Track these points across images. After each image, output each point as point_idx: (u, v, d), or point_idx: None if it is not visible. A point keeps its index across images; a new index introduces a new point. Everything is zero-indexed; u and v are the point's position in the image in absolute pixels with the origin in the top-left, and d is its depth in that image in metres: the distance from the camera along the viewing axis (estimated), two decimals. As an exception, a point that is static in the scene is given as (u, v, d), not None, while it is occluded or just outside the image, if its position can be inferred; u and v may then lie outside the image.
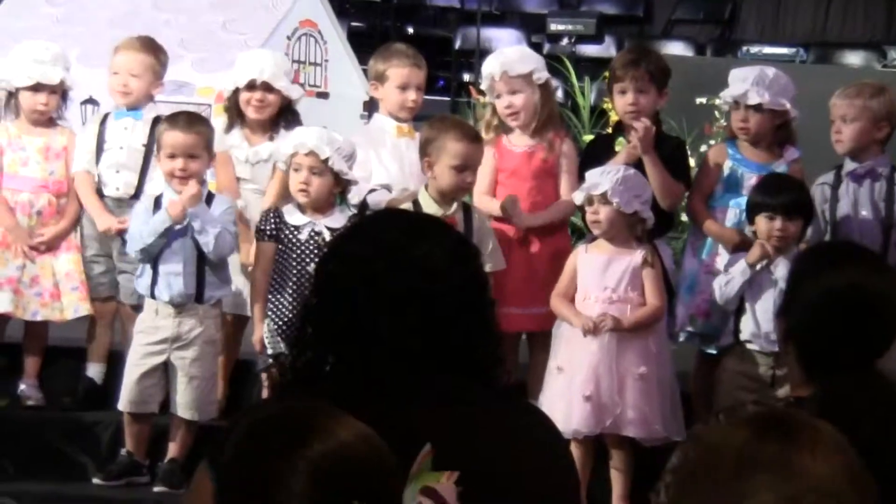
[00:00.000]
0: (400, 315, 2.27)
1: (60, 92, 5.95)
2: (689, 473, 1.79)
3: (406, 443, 2.11)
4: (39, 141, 5.93)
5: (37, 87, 5.88)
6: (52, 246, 5.90)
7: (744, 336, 5.17)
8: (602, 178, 5.19)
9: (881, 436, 2.22)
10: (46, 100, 5.90)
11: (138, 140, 5.84)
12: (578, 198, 5.28)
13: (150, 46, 5.97)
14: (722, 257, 5.37)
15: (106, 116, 6.01)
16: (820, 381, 2.56)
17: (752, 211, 5.21)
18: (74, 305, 5.93)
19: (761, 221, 5.15)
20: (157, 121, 5.76)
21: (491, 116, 5.67)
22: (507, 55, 5.69)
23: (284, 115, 5.83)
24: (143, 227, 5.38)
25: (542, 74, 5.60)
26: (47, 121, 5.97)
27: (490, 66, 5.60)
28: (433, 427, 2.19)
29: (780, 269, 5.02)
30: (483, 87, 5.71)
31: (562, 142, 5.61)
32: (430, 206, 5.26)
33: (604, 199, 5.18)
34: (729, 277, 5.20)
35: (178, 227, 5.34)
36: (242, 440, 1.86)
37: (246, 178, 5.82)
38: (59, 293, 5.91)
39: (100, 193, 5.90)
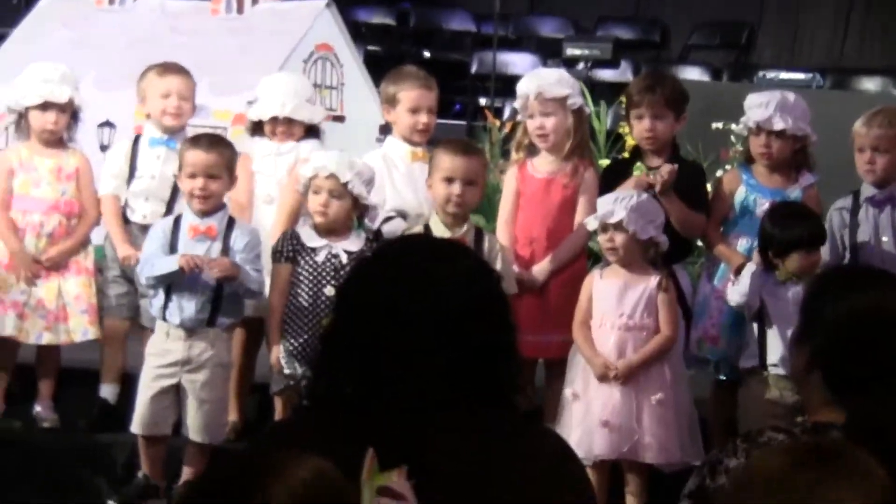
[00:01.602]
0: (421, 339, 2.27)
1: (70, 112, 5.98)
2: (724, 492, 1.80)
3: (425, 466, 2.11)
4: (50, 162, 5.95)
5: (45, 106, 5.92)
6: (59, 265, 5.91)
7: (771, 360, 5.13)
8: (616, 206, 5.16)
9: None
10: (56, 118, 5.93)
11: (170, 170, 5.81)
12: (592, 224, 5.27)
13: (188, 71, 6.02)
14: (734, 283, 5.34)
15: (138, 139, 6.02)
16: (848, 405, 2.53)
17: (784, 248, 5.10)
18: (83, 328, 5.93)
19: (799, 257, 5.08)
20: None
21: (522, 136, 5.65)
22: (545, 76, 5.67)
23: (309, 132, 5.99)
24: (157, 251, 5.37)
25: (577, 100, 5.59)
26: (58, 142, 5.99)
27: (526, 86, 5.57)
28: (453, 452, 2.19)
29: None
30: (517, 105, 5.67)
31: (585, 169, 5.58)
32: (440, 230, 5.25)
33: (619, 226, 5.17)
34: (739, 280, 5.18)
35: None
36: (203, 490, 1.88)
37: (267, 171, 5.89)
38: (66, 315, 5.92)
39: (125, 218, 5.92)
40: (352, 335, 2.32)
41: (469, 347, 2.28)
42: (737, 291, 5.20)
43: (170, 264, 5.30)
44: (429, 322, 2.27)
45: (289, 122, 5.91)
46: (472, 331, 2.29)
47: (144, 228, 5.80)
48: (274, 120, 5.91)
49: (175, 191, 5.82)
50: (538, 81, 5.57)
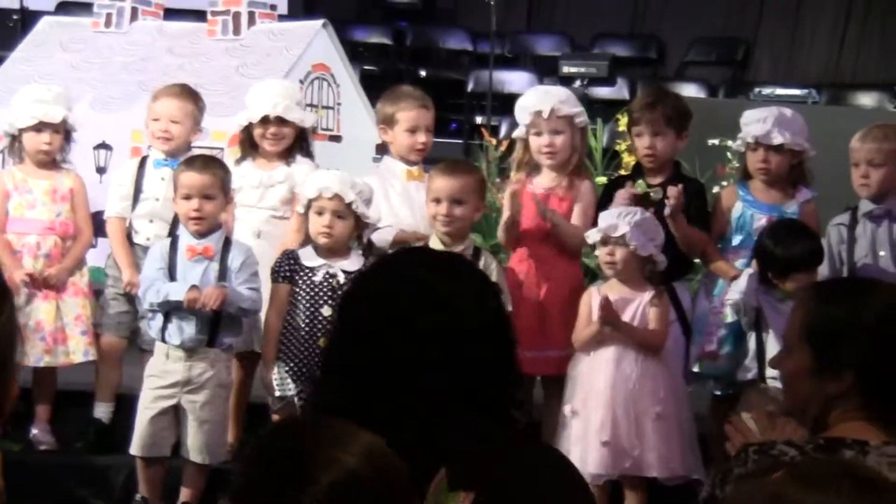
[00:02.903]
0: (426, 354, 2.26)
1: (63, 132, 5.97)
2: None
3: (429, 481, 2.10)
4: (45, 184, 5.95)
5: (39, 127, 5.92)
6: (57, 286, 5.89)
7: (769, 373, 5.12)
8: (619, 221, 5.17)
9: None
10: (50, 139, 5.92)
11: (173, 192, 5.82)
12: (593, 237, 5.27)
13: (190, 93, 6.03)
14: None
15: (144, 161, 6.01)
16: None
17: (787, 268, 5.09)
18: (83, 349, 5.92)
19: (801, 278, 5.04)
20: None
21: (523, 153, 5.61)
22: (555, 94, 5.64)
23: (299, 143, 5.94)
24: (157, 274, 5.36)
25: (584, 119, 5.60)
26: (52, 163, 5.98)
27: (538, 102, 5.52)
28: (457, 467, 2.19)
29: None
30: (522, 120, 5.57)
31: (580, 181, 5.58)
32: (439, 248, 5.25)
33: (621, 240, 5.18)
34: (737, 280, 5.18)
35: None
36: (248, 478, 1.84)
37: (256, 204, 5.86)
38: (65, 337, 5.91)
39: (129, 240, 5.93)
40: (355, 348, 2.31)
41: (473, 362, 2.29)
42: (735, 290, 5.19)
43: (176, 294, 5.29)
44: (438, 338, 2.27)
45: (280, 123, 5.88)
46: (478, 346, 2.30)
47: (147, 250, 5.77)
48: (265, 123, 5.88)
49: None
50: (551, 99, 5.53)
